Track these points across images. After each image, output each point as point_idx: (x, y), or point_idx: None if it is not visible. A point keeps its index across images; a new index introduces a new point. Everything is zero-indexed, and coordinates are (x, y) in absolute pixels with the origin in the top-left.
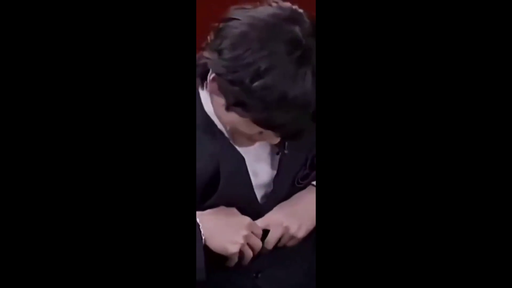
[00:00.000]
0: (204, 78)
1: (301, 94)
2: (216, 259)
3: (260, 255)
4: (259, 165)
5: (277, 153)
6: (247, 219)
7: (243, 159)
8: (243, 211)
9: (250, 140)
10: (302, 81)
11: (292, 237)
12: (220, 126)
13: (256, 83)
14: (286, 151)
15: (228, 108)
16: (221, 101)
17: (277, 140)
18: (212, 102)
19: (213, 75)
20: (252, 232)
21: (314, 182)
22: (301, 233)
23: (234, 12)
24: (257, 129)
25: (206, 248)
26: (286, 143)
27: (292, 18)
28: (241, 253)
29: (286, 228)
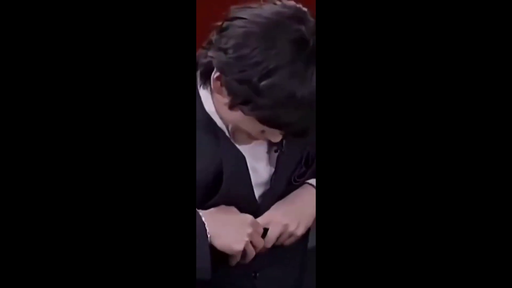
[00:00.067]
0: (207, 77)
1: (308, 94)
2: (219, 258)
3: (259, 254)
4: (257, 164)
5: (276, 151)
6: (249, 217)
7: (244, 157)
8: (242, 210)
9: (251, 138)
10: (310, 81)
11: (291, 235)
12: (221, 125)
13: (264, 82)
14: (283, 149)
15: (232, 106)
16: (224, 99)
17: (279, 138)
18: (213, 101)
19: (217, 73)
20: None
21: (309, 181)
22: (300, 231)
23: (238, 11)
24: (260, 127)
25: (211, 247)
26: (284, 141)
27: (297, 16)
28: (243, 251)
29: (285, 226)
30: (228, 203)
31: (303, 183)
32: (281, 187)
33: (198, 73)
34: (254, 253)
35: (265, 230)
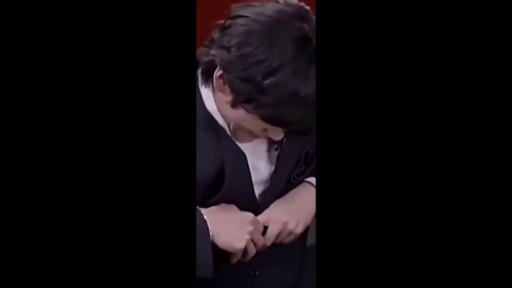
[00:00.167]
0: (209, 75)
1: (311, 92)
2: (219, 256)
3: (259, 252)
4: (258, 162)
5: (276, 149)
6: (250, 215)
7: (244, 155)
8: (242, 208)
9: (252, 136)
10: (313, 79)
11: (291, 233)
12: (222, 123)
13: (267, 81)
14: (284, 148)
15: (235, 104)
16: (227, 97)
17: (281, 136)
18: (215, 99)
19: (220, 72)
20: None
21: (308, 179)
22: (299, 229)
23: (240, 9)
24: (263, 125)
25: (213, 245)
26: (285, 140)
27: (299, 14)
28: (244, 249)
29: (285, 224)
30: (229, 201)
31: (302, 181)
32: (281, 185)
33: (199, 72)
34: (254, 251)
35: (265, 228)
